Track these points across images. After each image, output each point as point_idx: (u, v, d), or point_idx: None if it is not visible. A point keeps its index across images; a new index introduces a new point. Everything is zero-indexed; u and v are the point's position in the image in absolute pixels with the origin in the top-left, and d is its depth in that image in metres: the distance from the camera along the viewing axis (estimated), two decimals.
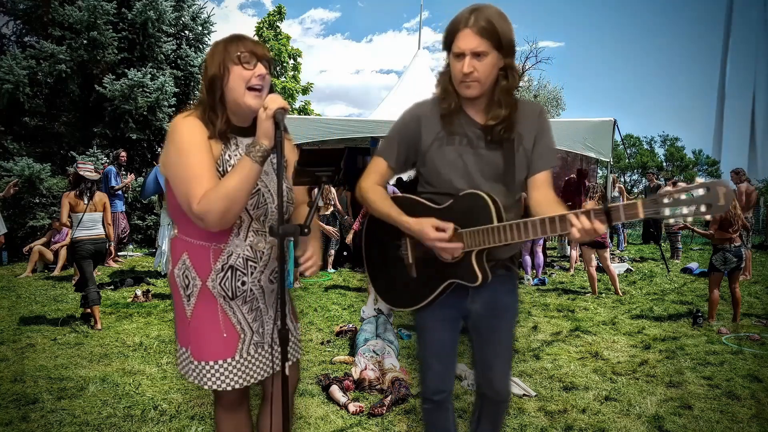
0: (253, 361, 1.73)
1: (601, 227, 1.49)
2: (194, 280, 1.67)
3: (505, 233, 1.63)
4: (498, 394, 1.95)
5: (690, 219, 1.41)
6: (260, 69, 1.61)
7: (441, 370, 1.93)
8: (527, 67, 25.84)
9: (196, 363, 1.70)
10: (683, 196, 1.40)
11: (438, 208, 1.78)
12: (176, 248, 1.71)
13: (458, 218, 1.71)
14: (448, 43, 1.70)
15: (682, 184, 1.46)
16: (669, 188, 1.45)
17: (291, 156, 1.83)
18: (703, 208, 1.37)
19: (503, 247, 1.73)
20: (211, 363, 1.68)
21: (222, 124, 1.62)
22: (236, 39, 1.63)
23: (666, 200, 1.42)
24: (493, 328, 1.90)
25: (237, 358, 1.70)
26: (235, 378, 1.70)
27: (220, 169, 1.61)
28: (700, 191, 1.38)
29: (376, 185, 1.86)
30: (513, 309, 1.95)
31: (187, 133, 1.58)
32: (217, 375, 1.69)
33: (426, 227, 1.69)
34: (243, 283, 1.67)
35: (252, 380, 1.74)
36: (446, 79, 1.76)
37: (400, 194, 1.92)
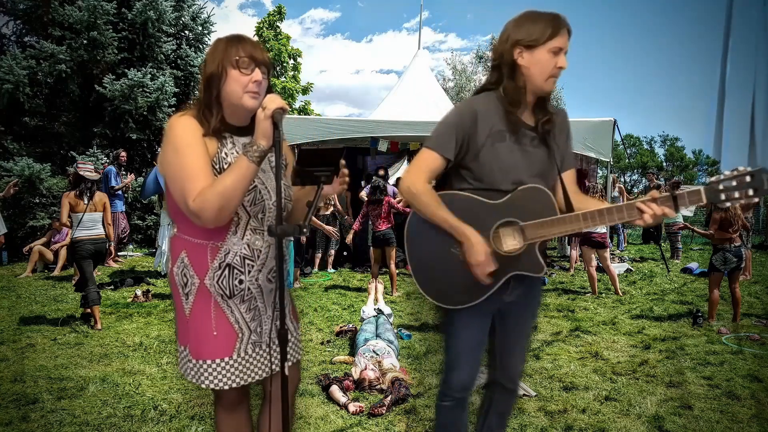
0: (251, 360, 1.73)
1: (671, 212, 1.68)
2: (192, 278, 1.67)
3: (572, 223, 1.75)
4: (512, 381, 2.02)
5: (743, 201, 1.61)
6: (257, 75, 1.62)
7: (472, 367, 1.95)
8: None
9: (194, 362, 1.70)
10: (734, 183, 1.59)
11: (495, 203, 1.81)
12: (175, 247, 1.73)
13: (518, 212, 1.79)
14: (542, 39, 1.75)
15: (728, 173, 1.65)
16: (718, 176, 1.64)
17: (289, 155, 1.83)
18: (750, 192, 1.58)
19: (546, 240, 1.85)
20: (209, 362, 1.68)
21: (216, 122, 1.63)
22: (237, 41, 1.63)
23: (721, 186, 1.61)
24: (520, 316, 1.98)
25: (235, 357, 1.70)
26: (233, 377, 1.70)
27: (217, 167, 1.62)
28: (747, 178, 1.58)
29: (429, 187, 1.82)
30: (540, 299, 2.07)
31: (182, 132, 1.59)
32: (215, 374, 1.69)
33: (482, 255, 1.74)
34: (240, 282, 1.67)
35: (250, 380, 1.74)
36: (521, 75, 1.80)
37: (447, 191, 1.87)
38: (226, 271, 1.65)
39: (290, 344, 1.84)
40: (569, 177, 1.91)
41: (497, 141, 1.81)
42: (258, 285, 1.71)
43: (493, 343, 2.01)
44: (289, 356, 1.82)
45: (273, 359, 1.76)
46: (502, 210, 1.80)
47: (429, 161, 1.82)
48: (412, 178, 1.81)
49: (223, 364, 1.69)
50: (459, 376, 1.94)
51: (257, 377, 1.76)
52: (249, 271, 1.68)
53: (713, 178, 1.63)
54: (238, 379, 1.71)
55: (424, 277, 1.92)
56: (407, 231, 1.95)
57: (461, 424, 2.01)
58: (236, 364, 1.70)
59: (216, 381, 1.69)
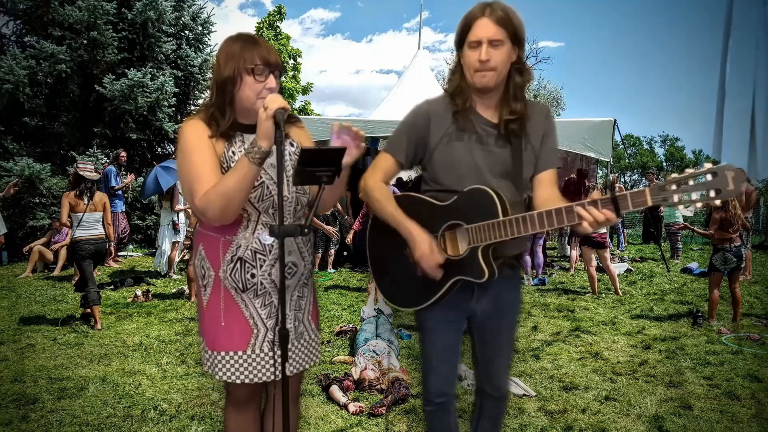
0: (266, 359, 1.73)
1: (612, 216, 1.47)
2: (208, 270, 1.72)
3: (512, 227, 1.63)
4: (497, 390, 1.97)
5: (699, 205, 1.37)
6: (271, 81, 1.64)
7: (444, 372, 1.93)
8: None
9: (210, 353, 1.73)
10: (691, 182, 1.37)
11: (443, 205, 1.77)
12: (196, 240, 1.79)
13: (463, 214, 1.72)
14: (462, 36, 1.72)
15: (690, 170, 1.40)
16: (676, 175, 1.40)
17: (307, 143, 1.84)
18: (712, 194, 1.34)
19: (510, 244, 1.75)
20: (222, 353, 1.71)
21: (227, 124, 1.66)
22: (252, 44, 1.64)
23: (674, 187, 1.39)
24: (496, 326, 1.91)
25: (249, 352, 1.71)
26: (246, 372, 1.71)
27: (225, 166, 1.66)
28: (708, 176, 1.34)
29: (382, 183, 1.85)
30: (516, 307, 1.97)
31: (189, 136, 1.65)
32: (227, 366, 1.71)
33: (425, 247, 1.71)
34: (252, 276, 1.69)
35: (264, 378, 1.74)
36: (458, 76, 1.78)
37: (403, 193, 1.91)
38: (238, 265, 1.69)
39: (305, 348, 1.83)
40: (546, 178, 1.80)
41: (454, 140, 1.76)
42: (271, 280, 1.72)
43: (474, 352, 1.99)
44: (294, 361, 1.79)
45: (275, 360, 1.74)
46: (448, 212, 1.75)
47: (383, 162, 1.86)
48: (366, 177, 1.86)
49: (236, 358, 1.70)
50: (431, 381, 1.93)
51: (272, 377, 1.75)
52: (261, 266, 1.70)
53: (669, 178, 1.41)
54: (251, 375, 1.72)
55: (381, 278, 1.97)
56: (367, 232, 2.01)
57: (448, 425, 1.99)
58: (250, 360, 1.71)
59: (228, 374, 1.71)
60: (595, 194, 1.56)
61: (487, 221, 1.67)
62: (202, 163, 1.61)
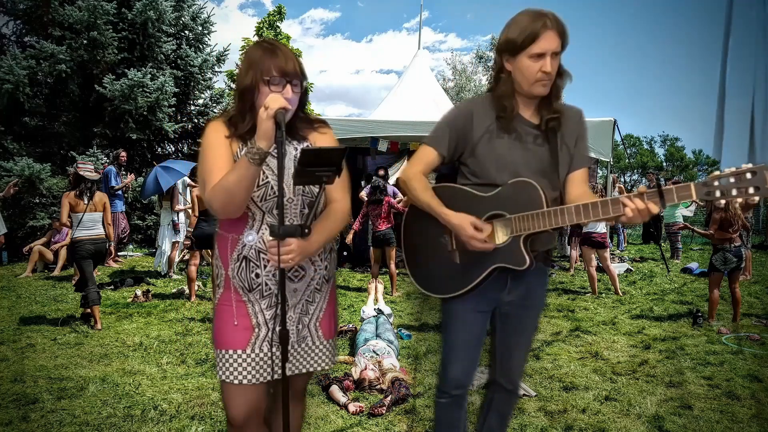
0: (266, 359, 1.73)
1: (655, 208, 1.58)
2: (220, 269, 1.75)
3: (557, 217, 1.70)
4: (511, 383, 2.01)
5: (740, 200, 1.52)
6: (288, 92, 1.64)
7: (466, 363, 1.96)
8: None
9: (217, 351, 1.75)
10: (732, 180, 1.49)
11: (485, 196, 1.82)
12: (215, 240, 1.82)
13: (506, 205, 1.78)
14: (523, 45, 1.72)
15: (731, 169, 1.55)
16: (718, 172, 1.54)
17: (321, 143, 1.84)
18: (751, 190, 1.46)
19: (544, 238, 1.82)
20: (223, 352, 1.72)
21: (245, 128, 1.69)
22: (269, 54, 1.65)
23: (716, 183, 1.51)
24: (521, 318, 1.96)
25: (248, 352, 1.71)
26: (244, 373, 1.71)
27: None
28: (748, 175, 1.47)
29: (421, 174, 1.91)
30: (543, 302, 2.03)
31: (208, 135, 1.72)
32: (227, 365, 1.71)
33: (465, 223, 1.76)
34: (257, 276, 1.71)
35: (262, 378, 1.73)
36: (507, 81, 1.80)
37: (440, 183, 1.97)
38: (244, 264, 1.70)
39: (305, 352, 1.81)
40: (579, 176, 1.88)
41: (495, 137, 1.83)
42: (276, 282, 1.72)
43: (494, 343, 2.01)
44: (290, 363, 1.78)
45: (272, 361, 1.74)
46: (490, 202, 1.81)
47: (424, 155, 1.91)
48: (407, 168, 1.93)
49: (236, 357, 1.71)
50: (452, 371, 1.96)
51: (269, 377, 1.74)
52: (265, 266, 1.71)
53: (711, 175, 1.54)
54: (249, 376, 1.71)
55: (415, 266, 2.01)
56: (403, 221, 2.07)
57: (458, 422, 2.01)
58: (249, 359, 1.71)
59: (228, 373, 1.71)
60: (642, 188, 1.72)
61: (532, 211, 1.73)
62: (215, 159, 1.66)
